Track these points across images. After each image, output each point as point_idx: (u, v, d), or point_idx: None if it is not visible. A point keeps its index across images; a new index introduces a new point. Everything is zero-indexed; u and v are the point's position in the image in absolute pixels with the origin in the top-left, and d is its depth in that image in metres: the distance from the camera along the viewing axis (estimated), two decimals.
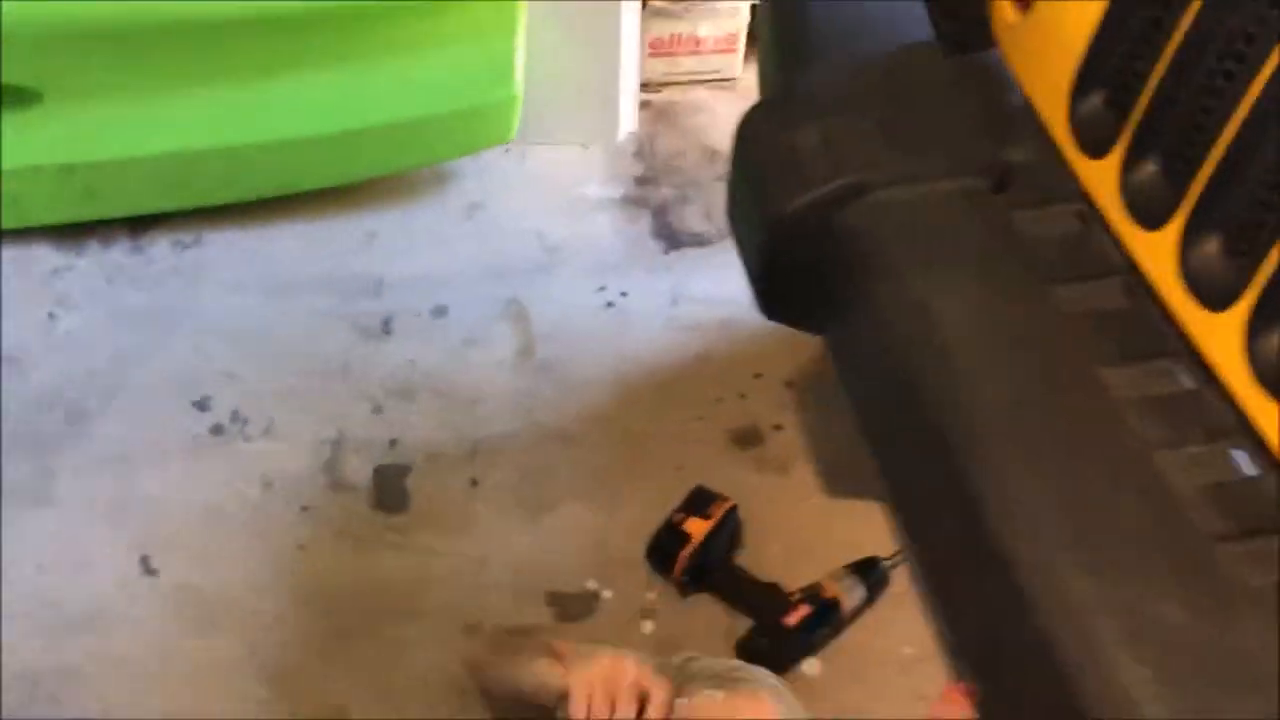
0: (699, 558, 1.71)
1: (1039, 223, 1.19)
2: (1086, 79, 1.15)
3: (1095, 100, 1.16)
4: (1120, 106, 1.13)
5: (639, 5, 2.33)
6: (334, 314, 2.09)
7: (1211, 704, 0.82)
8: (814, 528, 1.84)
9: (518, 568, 1.75)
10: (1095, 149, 1.15)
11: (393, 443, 1.91)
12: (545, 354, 2.06)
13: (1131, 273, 1.13)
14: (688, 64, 2.57)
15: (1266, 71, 0.94)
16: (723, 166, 2.36)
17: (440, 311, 2.12)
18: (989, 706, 1.05)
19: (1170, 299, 1.06)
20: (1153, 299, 1.09)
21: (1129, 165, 1.10)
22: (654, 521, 1.79)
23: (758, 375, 2.06)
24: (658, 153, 2.46)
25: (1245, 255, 0.98)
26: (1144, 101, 1.08)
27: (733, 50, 2.57)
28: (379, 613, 1.69)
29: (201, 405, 1.93)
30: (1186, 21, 1.02)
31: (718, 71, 2.60)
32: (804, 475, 1.91)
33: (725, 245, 2.18)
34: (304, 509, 1.81)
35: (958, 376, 1.05)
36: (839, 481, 1.91)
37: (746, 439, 1.96)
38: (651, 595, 1.73)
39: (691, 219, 2.33)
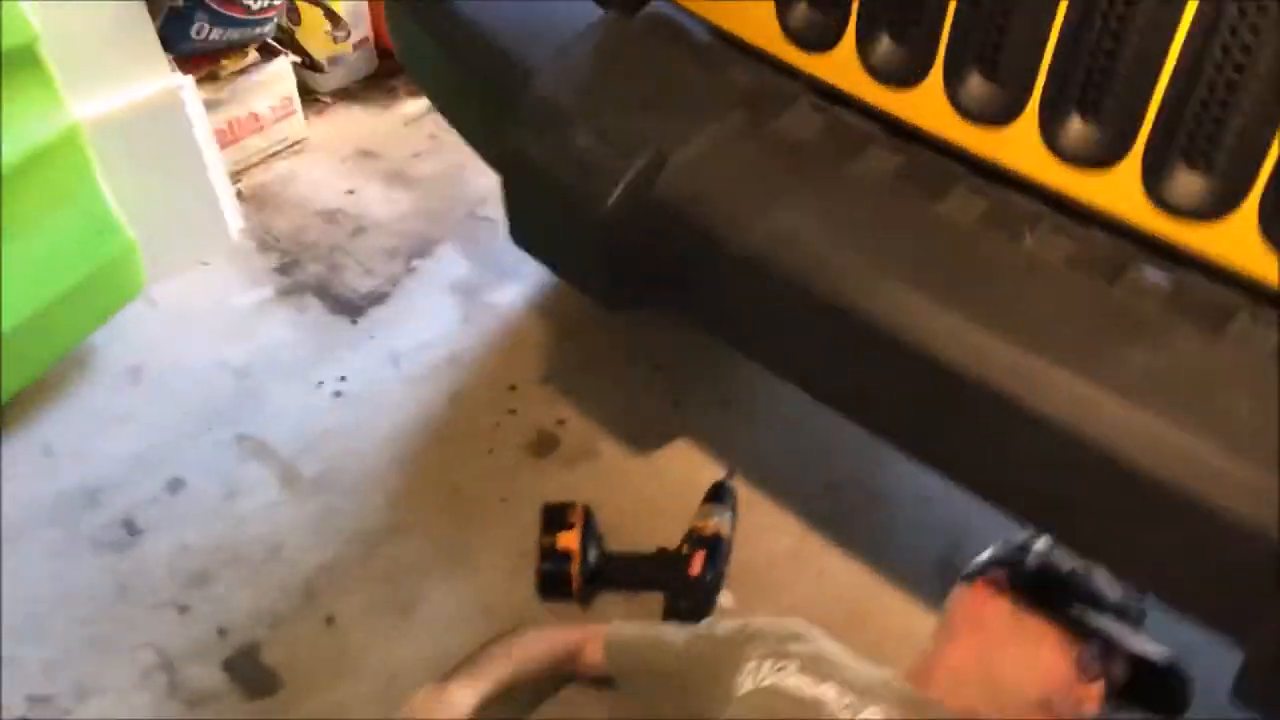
0: (585, 566, 1.75)
1: (798, 125, 1.33)
2: None
3: (802, 8, 1.30)
4: (824, 5, 1.28)
5: (204, 111, 2.21)
6: (69, 544, 1.86)
7: None
8: (650, 486, 1.93)
9: (421, 670, 1.69)
10: (820, 45, 1.30)
11: (222, 632, 1.76)
12: (310, 470, 1.97)
13: (893, 133, 1.30)
14: (256, 143, 2.48)
15: None
16: (346, 222, 2.35)
17: (176, 485, 1.95)
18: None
19: (950, 134, 1.24)
20: (928, 144, 1.27)
21: (864, 45, 1.26)
22: (517, 561, 1.80)
23: (512, 387, 2.10)
24: (279, 236, 2.37)
25: (1000, 80, 1.18)
26: None
27: (292, 113, 2.51)
28: None
29: None
30: None
31: (285, 139, 2.53)
32: (610, 449, 1.99)
33: (401, 289, 2.21)
34: None
35: (828, 252, 1.18)
36: (642, 437, 2.01)
37: (544, 445, 2.00)
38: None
39: (355, 281, 2.29)
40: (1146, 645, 1.33)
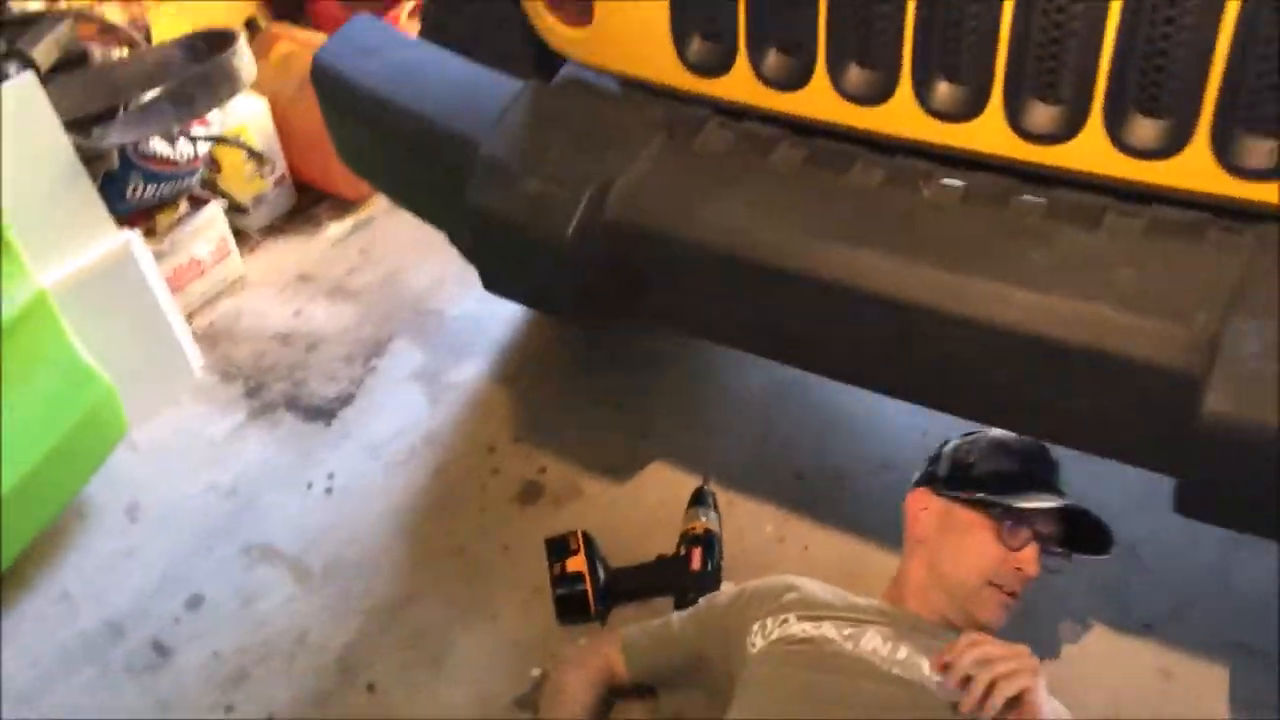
0: (596, 584, 1.90)
1: (712, 140, 1.55)
2: (681, 32, 1.51)
3: (696, 42, 1.52)
4: (712, 34, 1.51)
5: (153, 260, 2.36)
6: (105, 678, 1.95)
7: None
8: (636, 510, 2.10)
9: (466, 710, 1.82)
10: (718, 70, 1.52)
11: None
12: (318, 563, 2.09)
13: (793, 130, 1.53)
14: (199, 287, 2.63)
15: None
16: (299, 341, 2.51)
17: (195, 602, 2.06)
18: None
19: (848, 119, 1.46)
20: (826, 134, 1.49)
21: (756, 62, 1.48)
22: (531, 597, 1.95)
23: (490, 450, 2.25)
24: (240, 365, 2.51)
25: (877, 66, 1.41)
26: (740, 20, 1.46)
27: (228, 253, 2.67)
28: None
29: None
30: None
31: (226, 278, 2.69)
32: (592, 486, 2.15)
33: (365, 388, 2.37)
34: None
35: (760, 228, 1.39)
36: (619, 470, 2.17)
37: (530, 495, 2.16)
38: (584, 641, 1.88)
39: (320, 389, 2.44)
40: (1049, 501, 1.54)
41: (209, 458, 2.31)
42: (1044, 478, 1.61)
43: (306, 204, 2.94)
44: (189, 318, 2.59)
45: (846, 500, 2.06)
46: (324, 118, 1.87)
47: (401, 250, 2.78)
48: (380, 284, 2.69)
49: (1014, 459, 1.61)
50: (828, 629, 1.55)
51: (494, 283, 1.63)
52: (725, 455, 2.16)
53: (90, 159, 2.22)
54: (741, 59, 1.49)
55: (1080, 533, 1.60)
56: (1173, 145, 1.27)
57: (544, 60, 1.69)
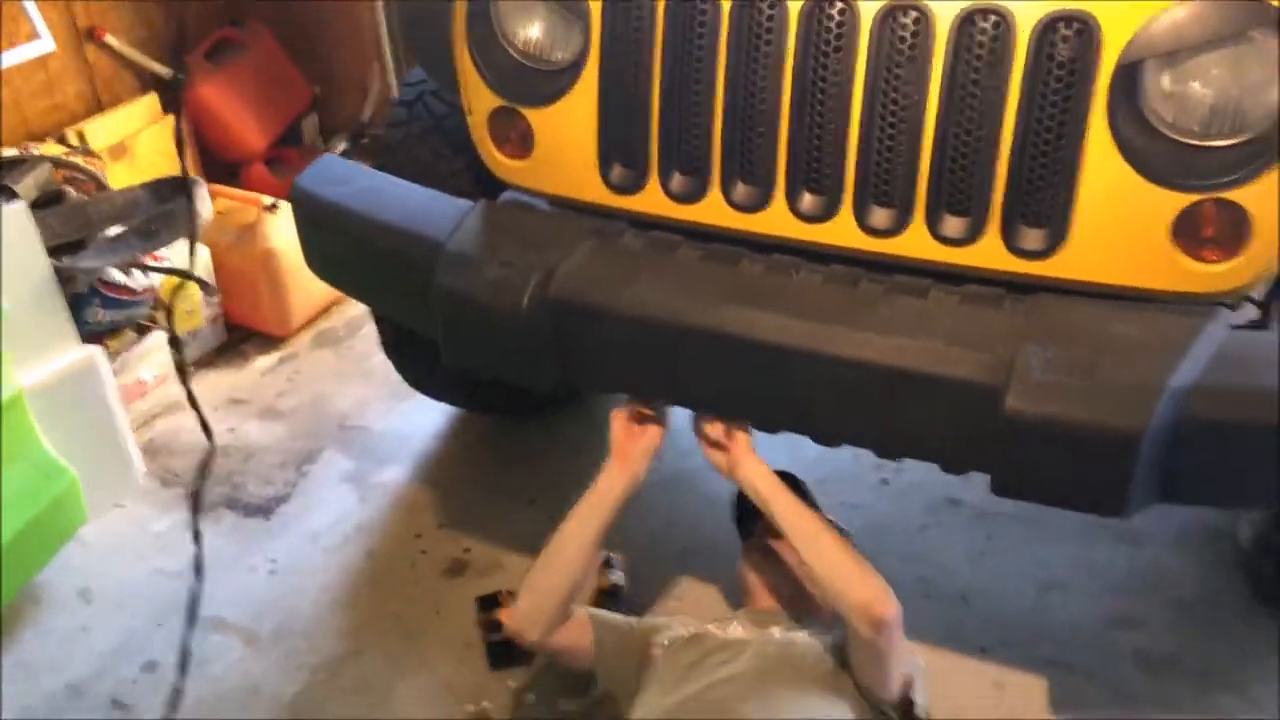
0: None
1: (630, 242, 1.97)
2: (606, 160, 1.96)
3: (619, 169, 1.97)
4: (631, 163, 1.96)
5: (113, 375, 2.63)
6: None
7: None
8: None
9: None
10: (634, 189, 1.97)
11: None
12: (266, 629, 2.33)
13: (692, 237, 1.97)
14: (140, 406, 2.90)
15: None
16: (236, 454, 2.79)
17: (151, 666, 2.27)
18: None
19: (736, 224, 1.91)
20: (719, 239, 1.94)
21: (665, 182, 1.94)
22: (464, 651, 2.24)
23: (418, 536, 2.56)
24: (179, 473, 2.77)
25: (758, 182, 1.88)
26: (653, 150, 1.92)
27: (168, 377, 2.95)
28: None
29: None
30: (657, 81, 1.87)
31: (164, 400, 2.96)
32: (512, 560, 2.47)
33: (300, 490, 2.67)
34: None
35: (674, 300, 1.80)
36: (534, 548, 2.48)
37: (457, 569, 2.46)
38: (513, 683, 2.17)
39: (258, 491, 2.71)
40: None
41: (156, 547, 2.55)
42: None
43: (235, 342, 3.25)
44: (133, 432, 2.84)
45: (722, 565, 2.43)
46: (300, 234, 2.23)
47: (325, 379, 3.11)
48: (308, 406, 3.00)
49: None
50: (707, 627, 1.96)
51: (456, 355, 1.99)
52: (623, 535, 2.51)
53: (64, 280, 2.53)
54: (653, 180, 1.94)
55: None
56: (973, 235, 1.76)
57: (484, 189, 2.11)
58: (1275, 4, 1.54)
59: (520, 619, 1.94)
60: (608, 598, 2.26)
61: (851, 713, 1.81)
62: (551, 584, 1.93)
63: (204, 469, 1.83)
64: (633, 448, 1.97)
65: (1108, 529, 2.45)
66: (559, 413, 2.82)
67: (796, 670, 1.85)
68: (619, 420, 1.98)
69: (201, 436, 2.74)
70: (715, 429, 1.94)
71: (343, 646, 2.29)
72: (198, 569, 1.96)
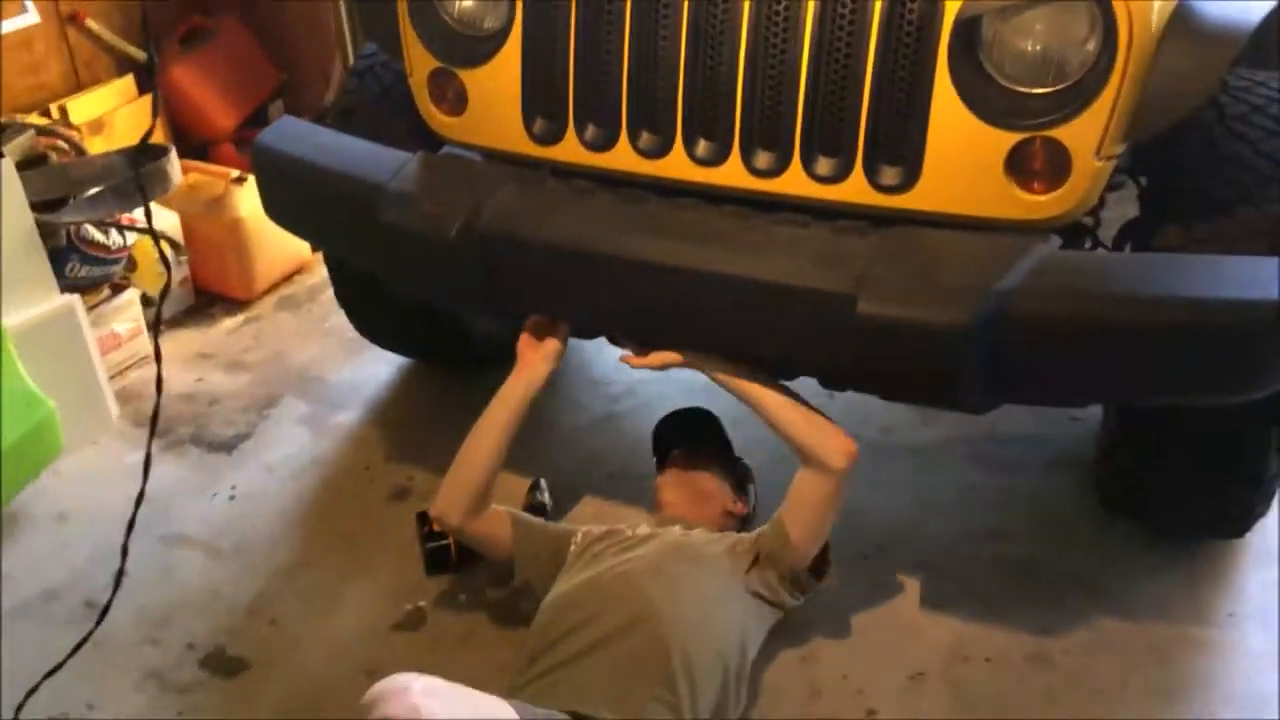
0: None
1: (549, 185, 2.24)
2: (530, 115, 2.24)
3: (541, 122, 2.25)
4: (551, 116, 2.24)
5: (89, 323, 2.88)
6: (45, 626, 2.37)
7: None
8: None
9: (354, 640, 2.32)
10: (553, 140, 2.24)
11: (190, 646, 2.32)
12: (227, 544, 2.58)
13: (604, 180, 2.24)
14: (116, 358, 3.14)
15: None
16: (201, 400, 3.03)
17: (120, 575, 2.50)
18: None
19: (642, 169, 2.18)
20: (629, 185, 2.21)
21: (581, 133, 2.21)
22: (404, 562, 2.49)
23: (366, 467, 2.81)
24: (148, 415, 3.00)
25: (660, 130, 2.15)
26: (569, 105, 2.19)
27: (140, 332, 3.20)
28: None
29: None
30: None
31: (136, 354, 3.20)
32: None
33: (260, 430, 2.92)
34: None
35: (589, 230, 2.07)
36: None
37: (401, 494, 2.71)
38: (445, 586, 2.43)
39: (221, 431, 2.96)
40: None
41: (126, 478, 2.78)
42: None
43: (203, 305, 3.50)
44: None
45: (644, 491, 2.69)
46: (260, 186, 2.50)
47: (287, 338, 3.36)
48: (270, 359, 3.25)
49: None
50: (617, 527, 2.22)
51: (397, 283, 2.26)
52: (554, 464, 2.78)
53: (45, 234, 2.78)
54: (570, 131, 2.22)
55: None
56: (842, 173, 2.04)
57: (426, 148, 2.38)
58: None
59: (441, 505, 2.22)
60: (536, 512, 2.51)
61: (742, 594, 2.09)
62: (466, 474, 2.21)
63: (158, 386, 2.06)
64: (532, 354, 2.25)
65: (987, 461, 2.73)
66: (498, 366, 3.07)
67: (694, 555, 2.13)
68: (523, 333, 2.26)
69: (171, 386, 3.02)
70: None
71: (295, 558, 2.54)
72: (141, 493, 2.19)
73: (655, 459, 2.57)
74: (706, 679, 1.92)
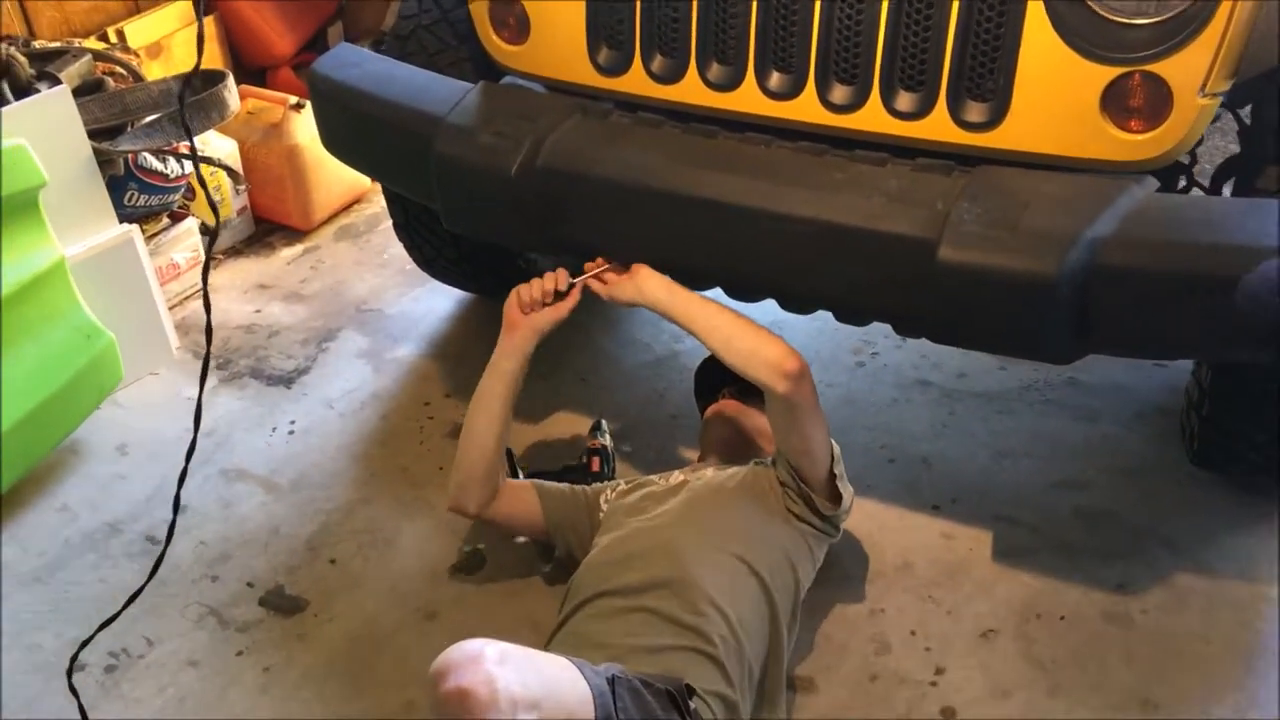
0: (516, 477, 2.41)
1: (614, 118, 2.15)
2: (594, 44, 2.14)
3: (606, 52, 2.15)
4: (617, 46, 2.14)
5: (148, 253, 2.85)
6: (106, 560, 2.37)
7: None
8: (550, 436, 2.63)
9: (415, 576, 2.30)
10: (620, 70, 2.14)
11: (250, 584, 2.31)
12: (285, 480, 2.56)
13: (671, 114, 2.14)
14: (174, 287, 3.12)
15: None
16: (261, 331, 3.00)
17: (181, 509, 2.49)
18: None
19: (713, 103, 2.08)
20: (697, 119, 2.11)
21: (648, 64, 2.11)
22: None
23: (426, 404, 2.77)
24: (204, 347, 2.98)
25: (730, 61, 2.04)
26: (636, 34, 2.09)
27: (200, 261, 3.17)
28: None
29: None
30: None
31: (196, 284, 3.17)
32: (514, 424, 2.66)
33: (319, 364, 2.89)
34: None
35: (655, 164, 1.98)
36: (530, 414, 2.70)
37: (459, 431, 2.64)
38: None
39: (281, 364, 2.93)
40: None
41: (186, 410, 2.73)
42: None
43: (262, 234, 3.46)
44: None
45: None
46: (316, 114, 2.43)
47: (346, 268, 3.32)
48: (329, 291, 3.21)
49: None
50: (650, 477, 2.20)
51: (453, 219, 2.19)
52: (612, 403, 2.72)
53: (103, 162, 2.73)
54: (637, 62, 2.12)
55: None
56: (924, 109, 1.93)
57: (485, 77, 2.29)
58: None
59: (455, 498, 2.18)
60: (596, 455, 2.45)
61: (776, 518, 2.02)
62: (470, 458, 2.16)
63: (208, 333, 2.01)
64: (520, 321, 2.16)
65: (1065, 409, 2.63)
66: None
67: (720, 489, 2.06)
68: (510, 299, 2.17)
69: (231, 317, 3.00)
70: (613, 273, 2.10)
71: (354, 494, 2.51)
72: (196, 422, 2.14)
73: (698, 400, 2.50)
74: (750, 617, 1.87)
